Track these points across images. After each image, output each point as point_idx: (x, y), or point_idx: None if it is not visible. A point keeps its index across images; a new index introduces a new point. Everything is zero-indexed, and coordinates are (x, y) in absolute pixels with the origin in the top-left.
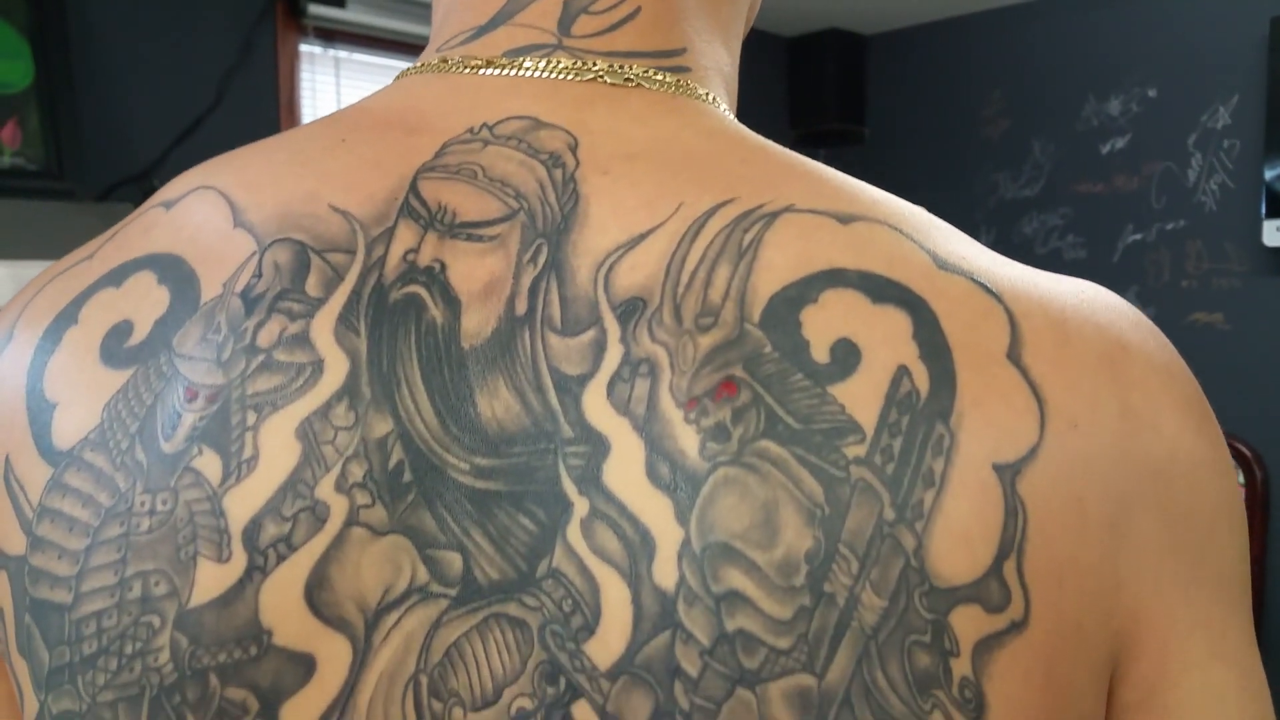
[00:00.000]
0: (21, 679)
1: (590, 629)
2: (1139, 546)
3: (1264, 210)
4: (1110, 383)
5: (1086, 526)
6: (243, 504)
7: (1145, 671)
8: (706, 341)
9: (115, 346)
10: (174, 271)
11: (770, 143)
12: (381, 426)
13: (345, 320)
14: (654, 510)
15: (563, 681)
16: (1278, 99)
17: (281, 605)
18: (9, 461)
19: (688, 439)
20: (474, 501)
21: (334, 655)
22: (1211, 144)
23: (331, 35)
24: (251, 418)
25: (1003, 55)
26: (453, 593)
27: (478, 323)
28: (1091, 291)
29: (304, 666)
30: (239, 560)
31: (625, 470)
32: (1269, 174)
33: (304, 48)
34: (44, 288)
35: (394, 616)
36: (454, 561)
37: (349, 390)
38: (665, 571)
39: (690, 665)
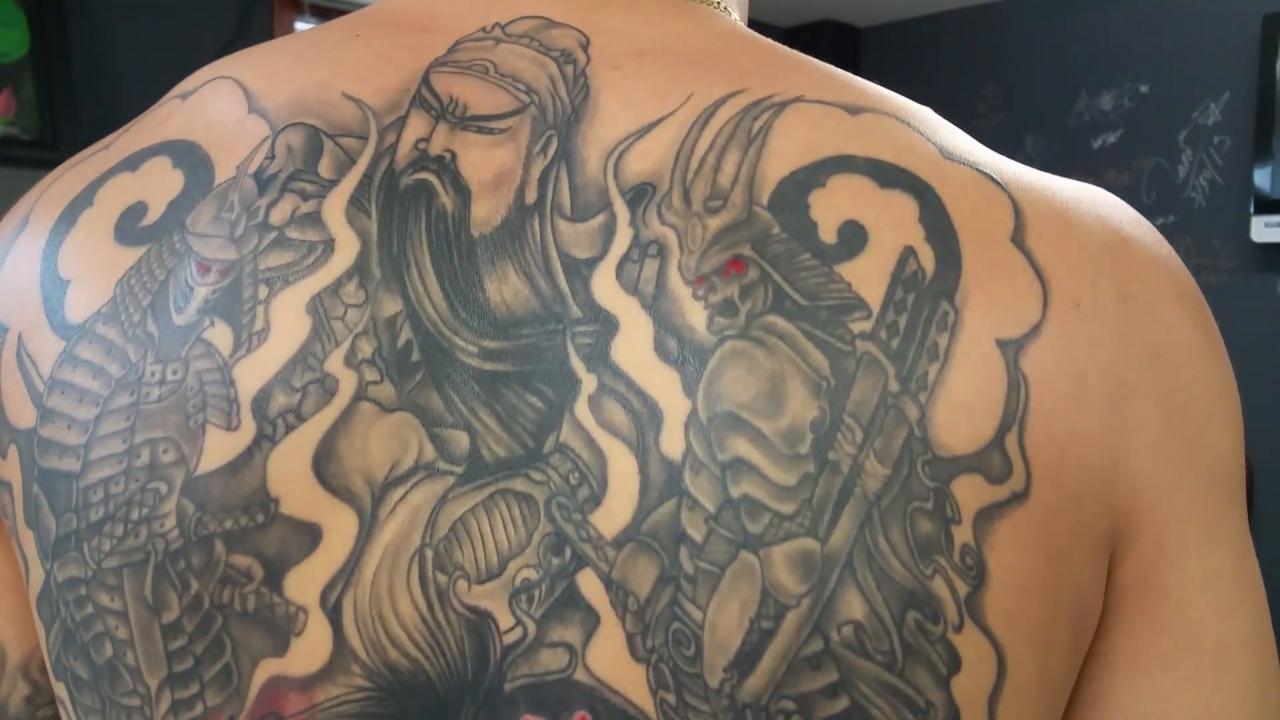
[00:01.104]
0: (28, 551)
1: (597, 500)
2: (1137, 427)
3: (1253, 207)
4: (1111, 269)
5: (1087, 403)
6: (253, 374)
7: (1143, 551)
8: (715, 223)
9: (129, 226)
10: (189, 156)
11: (780, 44)
12: (391, 306)
13: (357, 202)
14: (661, 383)
15: (568, 552)
16: (1268, 96)
17: (289, 474)
18: (21, 339)
19: (695, 315)
20: (481, 383)
21: (340, 526)
22: (1202, 140)
23: (326, 13)
24: (263, 292)
25: (996, 49)
26: (459, 470)
27: (487, 211)
28: (1092, 190)
29: (310, 536)
30: (248, 428)
31: (633, 346)
32: (1258, 170)
33: (299, 24)
34: (60, 177)
35: (400, 491)
36: (461, 440)
37: (359, 269)
38: (672, 441)
39: (695, 531)
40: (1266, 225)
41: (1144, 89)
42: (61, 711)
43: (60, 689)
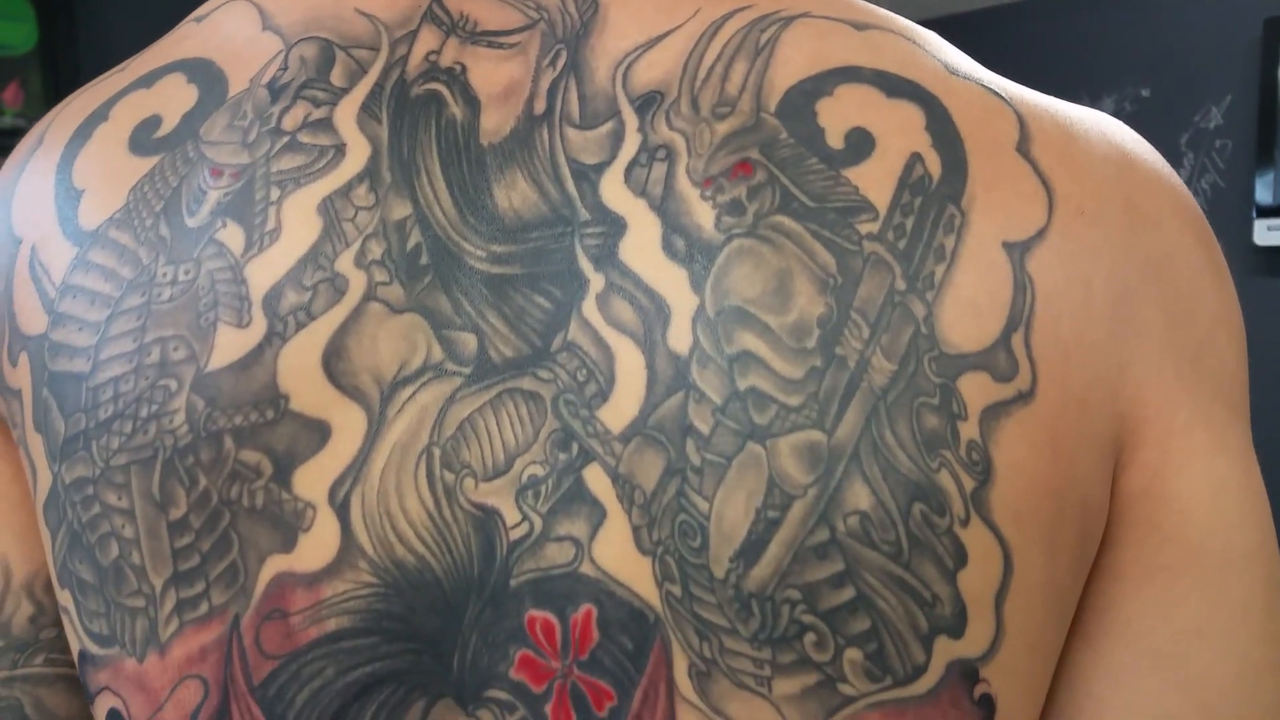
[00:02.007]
0: (35, 456)
1: (604, 395)
2: (1142, 334)
3: (1255, 211)
4: (1115, 181)
5: (1092, 307)
6: (264, 272)
7: (1148, 459)
8: (723, 128)
9: (143, 137)
10: (203, 72)
11: None
12: (401, 210)
13: (368, 109)
14: (669, 280)
15: (575, 447)
16: (1270, 99)
17: (299, 371)
18: (34, 249)
19: (703, 214)
20: (490, 286)
21: (349, 424)
22: (1204, 144)
23: None
24: (275, 193)
25: (996, 53)
26: (467, 371)
27: (496, 121)
28: (1097, 113)
29: (319, 433)
30: (259, 325)
31: (641, 246)
32: (1260, 174)
33: None
34: (75, 99)
35: (409, 391)
36: (469, 342)
37: (370, 173)
38: (679, 336)
39: (702, 423)
40: (1269, 229)
41: (1145, 93)
42: (65, 622)
43: (65, 597)
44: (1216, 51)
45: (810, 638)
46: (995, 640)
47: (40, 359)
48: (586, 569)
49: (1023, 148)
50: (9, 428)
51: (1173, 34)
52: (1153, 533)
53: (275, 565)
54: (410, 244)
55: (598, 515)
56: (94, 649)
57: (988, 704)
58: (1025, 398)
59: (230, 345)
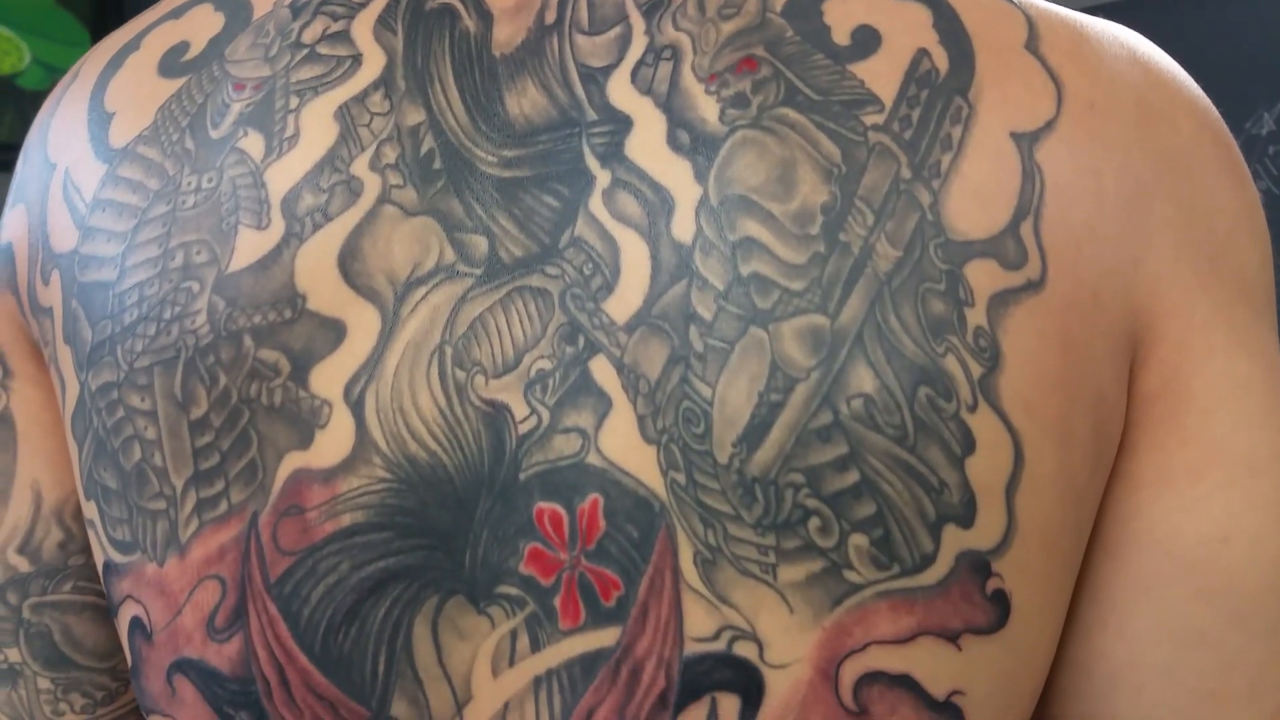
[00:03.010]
0: (65, 369)
1: (609, 288)
2: (1157, 229)
3: None
4: (1127, 79)
5: (1103, 199)
6: (283, 176)
7: (1166, 356)
8: (729, 27)
9: (172, 61)
10: (230, 1)
11: None
12: (414, 116)
13: (384, 21)
14: (673, 173)
15: (581, 340)
16: None
17: (316, 271)
18: (67, 172)
19: (708, 108)
20: (500, 189)
21: (364, 323)
22: (1256, 150)
23: None
24: (294, 102)
25: None
26: (478, 272)
27: (508, 34)
28: (1112, 23)
29: (335, 332)
30: (277, 227)
31: (646, 141)
32: None
33: None
34: (110, 36)
35: (421, 291)
36: (480, 244)
37: (385, 81)
38: (683, 226)
39: (705, 309)
40: None
41: None
42: (91, 536)
43: (90, 509)
44: (1266, 56)
45: (814, 523)
46: (1007, 534)
47: (70, 273)
48: (593, 459)
49: (1031, 45)
50: (41, 352)
51: (1222, 39)
52: (1173, 434)
53: (293, 462)
54: (424, 149)
55: (603, 406)
56: (117, 557)
57: (1001, 601)
58: (1035, 286)
59: (250, 247)
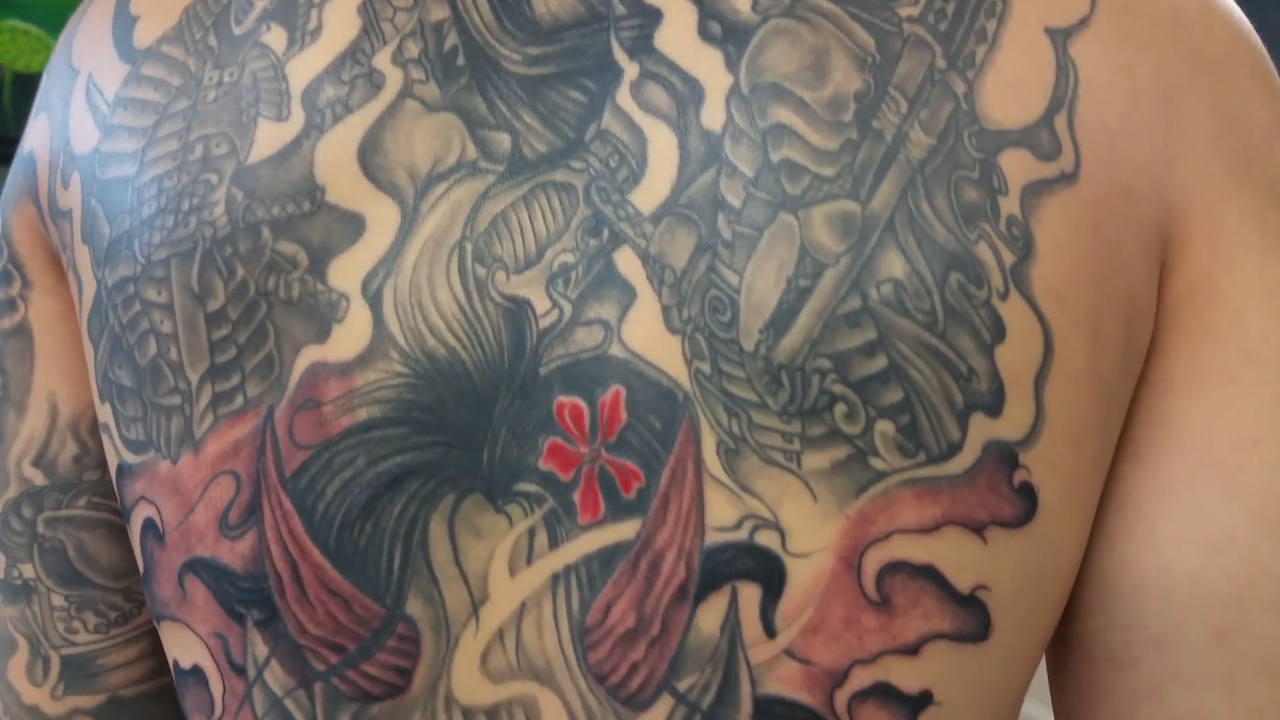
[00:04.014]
0: (82, 268)
1: (636, 178)
2: (1189, 128)
3: None
4: None
5: (1137, 95)
6: (304, 68)
7: (1197, 257)
8: None
9: None
10: None
11: None
12: (439, 13)
13: None
14: (704, 62)
15: (605, 232)
16: None
17: (335, 163)
18: (91, 76)
19: None
20: (524, 86)
21: (383, 218)
22: None
23: None
24: None
25: None
26: (500, 169)
27: None
28: None
29: (354, 226)
30: (297, 118)
31: (677, 33)
32: None
33: None
34: None
35: (442, 187)
36: (503, 141)
37: None
38: (713, 115)
39: (734, 197)
40: None
41: None
42: (105, 441)
43: (105, 412)
44: None
45: (840, 409)
46: (1035, 426)
47: (91, 173)
48: (615, 351)
49: None
50: (59, 261)
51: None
52: (1204, 335)
53: (309, 356)
54: (447, 45)
55: (627, 297)
56: (131, 458)
57: (1028, 494)
58: (1068, 179)
59: (269, 138)
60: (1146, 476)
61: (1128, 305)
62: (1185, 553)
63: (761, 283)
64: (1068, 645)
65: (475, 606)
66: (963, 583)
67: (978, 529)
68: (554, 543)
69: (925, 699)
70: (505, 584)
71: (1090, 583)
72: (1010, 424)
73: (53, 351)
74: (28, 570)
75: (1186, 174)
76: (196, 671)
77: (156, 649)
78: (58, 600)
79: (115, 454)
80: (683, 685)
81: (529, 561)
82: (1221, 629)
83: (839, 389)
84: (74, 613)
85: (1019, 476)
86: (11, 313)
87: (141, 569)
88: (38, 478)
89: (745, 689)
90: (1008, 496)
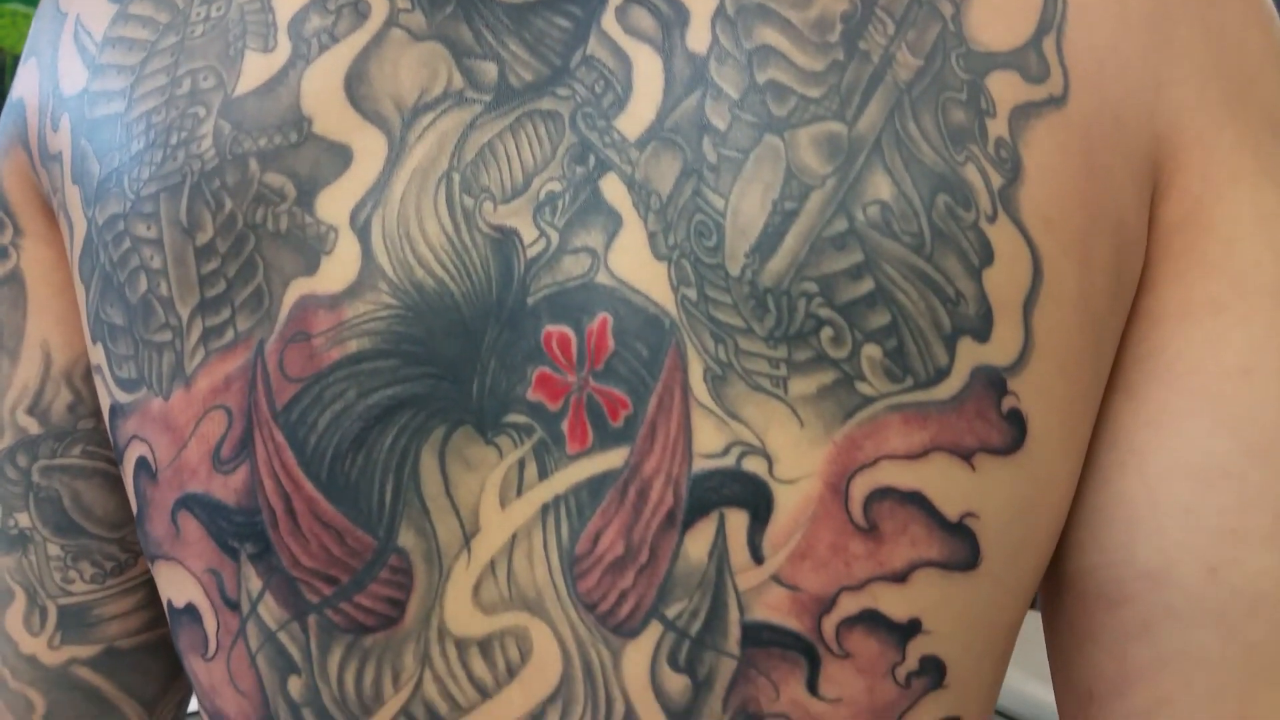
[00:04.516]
0: (73, 209)
1: (621, 104)
2: (1181, 54)
3: None
4: None
5: (1127, 19)
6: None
7: (1188, 185)
8: None
9: None
10: None
11: None
12: None
13: None
14: None
15: (591, 159)
16: None
17: (321, 94)
18: (79, 18)
19: None
20: (510, 14)
21: (370, 148)
22: None
23: None
24: None
25: None
26: (487, 98)
27: None
28: None
29: (341, 157)
30: (284, 49)
31: None
32: None
33: None
34: None
35: (429, 118)
36: (489, 70)
37: None
38: (698, 37)
39: (719, 119)
40: None
41: None
42: (99, 384)
43: (97, 352)
44: None
45: (827, 332)
46: (1024, 352)
47: (80, 113)
48: (602, 278)
49: None
50: (51, 207)
51: None
52: (1195, 264)
53: (299, 288)
54: None
55: (613, 224)
56: (123, 397)
57: (1017, 421)
58: (1057, 102)
59: (256, 70)
60: (1138, 410)
61: (1118, 233)
62: (1177, 486)
63: (747, 206)
64: (1060, 586)
65: (467, 539)
66: (951, 510)
67: (966, 456)
68: (543, 473)
69: (914, 627)
70: (496, 516)
71: (1082, 520)
72: (998, 349)
73: (45, 299)
74: (23, 520)
75: (1178, 101)
76: (190, 609)
77: (153, 600)
78: (54, 550)
79: (108, 394)
80: (671, 612)
81: (519, 493)
82: (1213, 562)
83: (825, 313)
84: (70, 563)
85: (1007, 403)
86: (3, 260)
87: (135, 509)
88: (32, 426)
89: (733, 615)
90: (996, 423)
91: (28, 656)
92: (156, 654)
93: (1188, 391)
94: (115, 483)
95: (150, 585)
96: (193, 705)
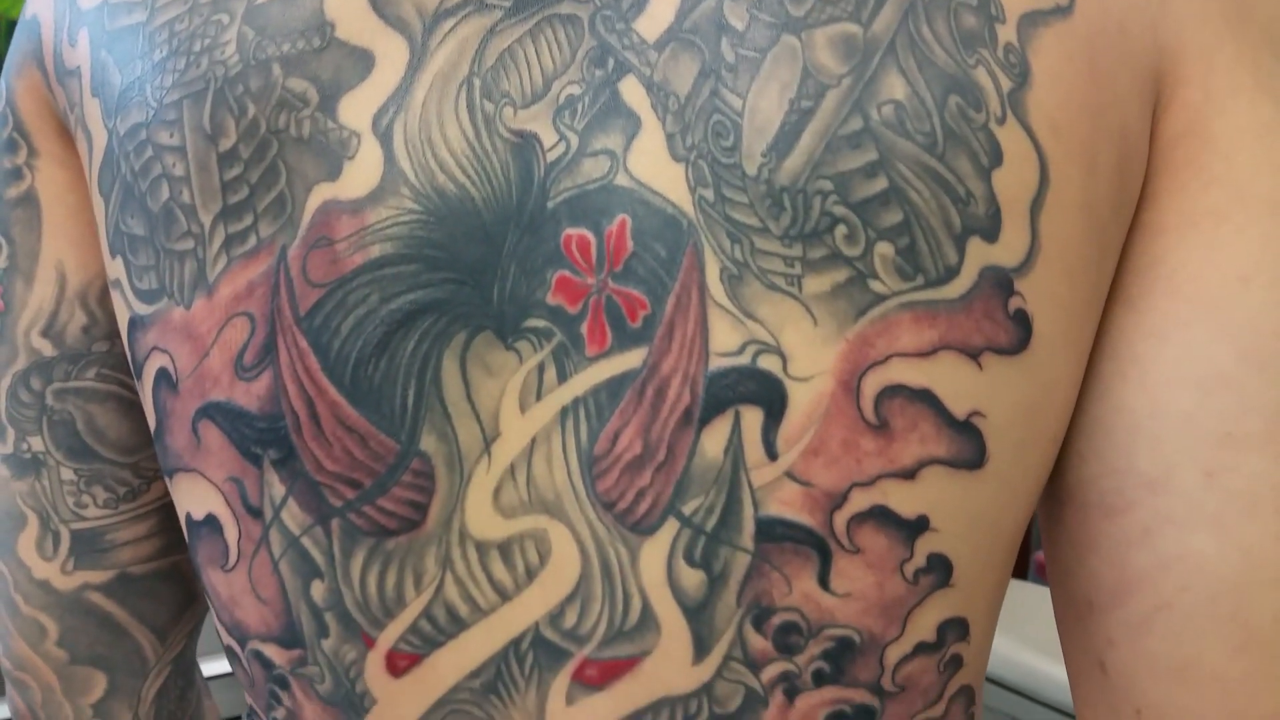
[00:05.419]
0: (92, 123)
1: (640, 6)
2: None
3: None
4: None
5: None
6: None
7: (1189, 98)
8: None
9: None
10: None
11: None
12: None
13: None
14: None
15: (610, 62)
16: None
17: (344, 1)
18: None
19: None
20: None
21: (392, 54)
22: None
23: None
24: None
25: None
26: (507, 4)
27: None
28: None
29: (364, 62)
30: None
31: None
32: None
33: None
34: None
35: (450, 24)
36: None
37: None
38: None
39: (737, 20)
40: None
41: None
42: (117, 300)
43: (116, 266)
44: None
45: (841, 230)
46: (1030, 253)
47: (100, 26)
48: (621, 180)
49: None
50: (67, 128)
51: None
52: (1196, 176)
53: (321, 194)
54: None
55: (632, 126)
56: (143, 309)
57: (1023, 321)
58: (1063, 11)
59: None
60: (1139, 320)
61: (1121, 141)
62: (1177, 394)
63: (764, 105)
64: (1061, 498)
65: (487, 443)
66: (959, 408)
67: (973, 354)
68: (562, 376)
69: (922, 524)
70: (516, 420)
71: (1083, 430)
72: (1006, 250)
73: (60, 220)
74: (37, 443)
75: (1180, 14)
76: (210, 521)
77: (166, 527)
78: (67, 474)
79: (126, 308)
80: (688, 509)
81: (538, 397)
82: (1211, 467)
83: (840, 210)
84: (83, 487)
85: (1014, 303)
86: (18, 181)
87: (154, 424)
88: (46, 348)
89: (748, 511)
90: (1003, 323)
91: (40, 581)
92: (169, 581)
93: (1188, 300)
94: (129, 406)
95: (163, 512)
96: (209, 670)
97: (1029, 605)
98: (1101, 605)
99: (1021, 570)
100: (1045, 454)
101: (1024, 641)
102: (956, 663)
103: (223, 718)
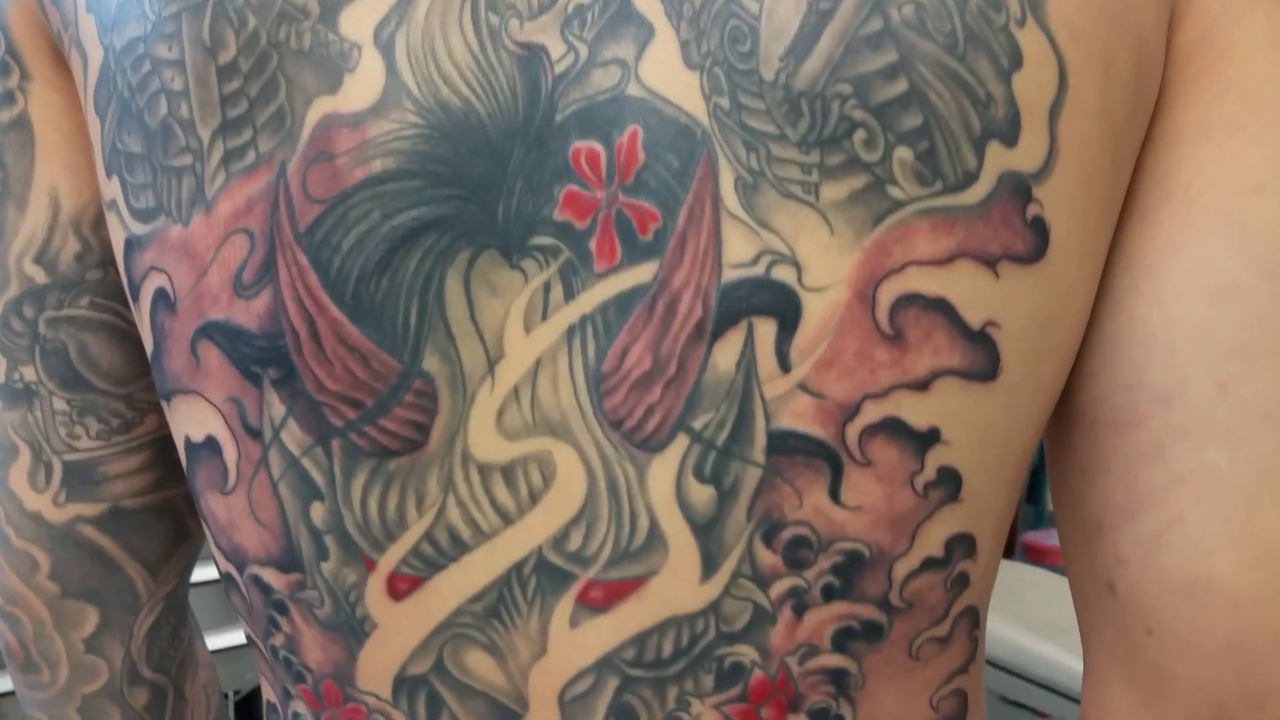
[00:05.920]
0: (88, 40)
1: None
2: None
3: None
4: None
5: None
6: None
7: (1206, 6)
8: None
9: None
10: None
11: None
12: None
13: None
14: None
15: None
16: None
17: None
18: None
19: None
20: None
21: None
22: None
23: None
24: None
25: None
26: None
27: None
28: None
29: None
30: None
31: None
32: None
33: None
34: None
35: None
36: None
37: None
38: None
39: None
40: None
41: None
42: (113, 222)
43: (112, 186)
44: None
45: (860, 135)
46: (1049, 159)
47: None
48: (633, 90)
49: None
50: (59, 51)
51: None
52: (1211, 85)
53: (322, 107)
54: None
55: (645, 34)
56: (139, 228)
57: (1040, 229)
58: None
59: None
60: (1154, 233)
61: (1138, 47)
62: (1190, 305)
63: (783, 8)
64: (1070, 419)
65: (491, 364)
66: (974, 318)
67: (990, 263)
68: (569, 294)
69: (933, 436)
70: (521, 341)
71: (1095, 347)
72: (1025, 155)
73: (54, 145)
74: (29, 373)
75: None
76: (210, 443)
77: (159, 460)
78: (59, 404)
79: (123, 228)
80: (698, 424)
81: (544, 317)
82: (1224, 379)
83: (859, 114)
84: (76, 417)
85: (1032, 210)
86: (10, 105)
87: (151, 346)
88: (39, 275)
89: (759, 424)
90: (1020, 230)
91: (32, 514)
92: (161, 516)
93: (1203, 211)
94: (123, 336)
95: (157, 445)
96: (223, 643)
97: (1016, 584)
98: (1111, 525)
99: (1009, 551)
100: (1058, 368)
101: (1012, 620)
102: (963, 580)
103: (222, 691)
